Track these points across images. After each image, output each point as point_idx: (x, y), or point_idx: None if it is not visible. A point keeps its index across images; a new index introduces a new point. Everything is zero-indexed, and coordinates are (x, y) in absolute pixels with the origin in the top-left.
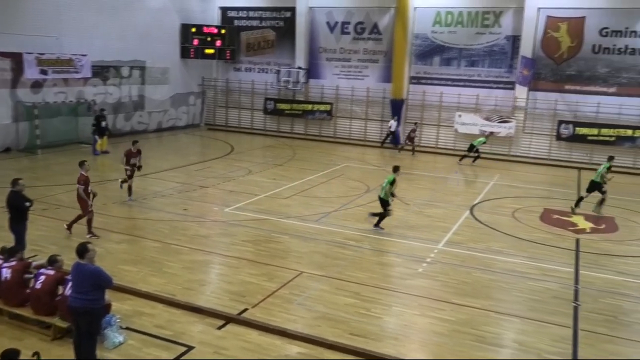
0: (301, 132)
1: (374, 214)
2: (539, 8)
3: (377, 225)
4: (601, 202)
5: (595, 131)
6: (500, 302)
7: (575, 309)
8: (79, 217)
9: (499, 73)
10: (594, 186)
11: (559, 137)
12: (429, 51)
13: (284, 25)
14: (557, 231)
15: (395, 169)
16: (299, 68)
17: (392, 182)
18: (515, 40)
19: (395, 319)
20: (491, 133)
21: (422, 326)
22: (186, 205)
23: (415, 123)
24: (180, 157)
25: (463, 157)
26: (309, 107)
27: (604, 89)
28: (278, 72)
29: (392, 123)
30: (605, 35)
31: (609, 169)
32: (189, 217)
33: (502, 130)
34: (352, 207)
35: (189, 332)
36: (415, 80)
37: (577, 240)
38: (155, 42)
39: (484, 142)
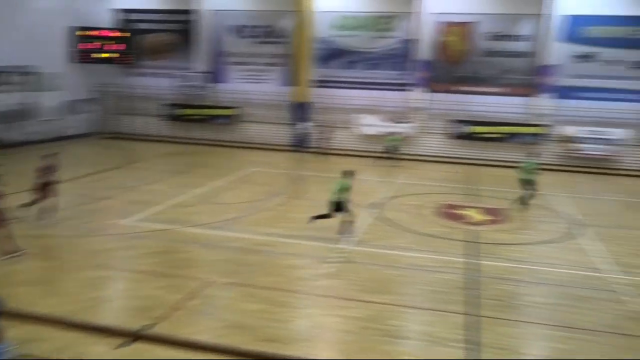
0: (207, 138)
1: (345, 230)
2: (433, 13)
3: (346, 232)
4: (528, 197)
5: (487, 129)
6: (406, 296)
7: (471, 296)
8: None
9: (397, 75)
10: (526, 183)
11: (454, 136)
12: (331, 54)
13: (185, 29)
14: (454, 224)
15: (349, 174)
16: (202, 72)
17: (346, 188)
18: (411, 44)
19: (305, 321)
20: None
21: (332, 326)
22: (85, 219)
23: (324, 126)
24: (77, 168)
25: (387, 158)
26: (214, 112)
27: (492, 90)
28: (181, 76)
29: (304, 125)
30: (493, 39)
31: (535, 167)
32: (88, 231)
33: (402, 130)
34: (260, 212)
35: (90, 353)
36: (319, 83)
37: (472, 232)
38: (45, 46)
39: (398, 141)
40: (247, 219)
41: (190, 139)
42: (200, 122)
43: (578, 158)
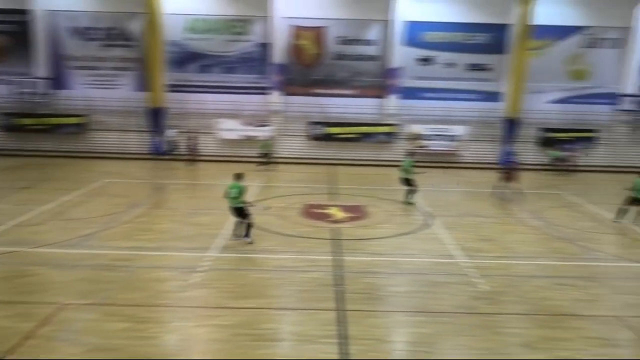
0: (52, 149)
1: (242, 233)
2: (285, 18)
3: (247, 235)
4: (411, 192)
5: (341, 130)
6: (275, 299)
7: (339, 292)
8: None
9: (255, 79)
10: (407, 181)
11: (312, 137)
12: (185, 58)
13: (19, 30)
14: (318, 224)
15: (240, 176)
16: (42, 78)
17: (243, 192)
18: (266, 47)
19: (174, 335)
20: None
21: (202, 336)
22: None
23: (189, 132)
24: None
25: (264, 163)
26: (59, 120)
27: (346, 92)
28: (17, 83)
29: (169, 133)
30: (343, 44)
31: (412, 166)
32: None
33: (261, 134)
34: (117, 226)
35: None
36: (173, 88)
37: (335, 230)
38: None
39: (270, 146)
40: (103, 234)
41: (33, 151)
42: (44, 133)
43: (425, 154)
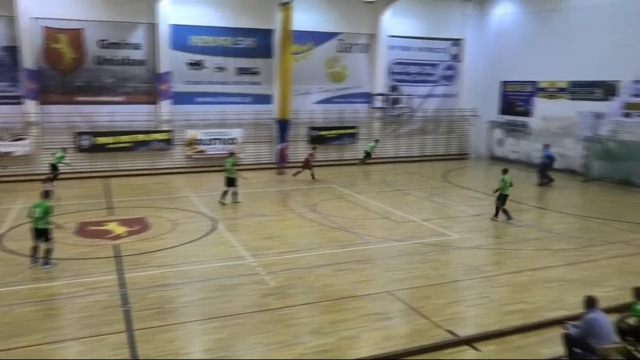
0: None
1: (42, 258)
2: (34, 18)
3: (46, 264)
4: (234, 193)
5: (112, 139)
6: (51, 332)
7: (127, 312)
8: None
9: (3, 87)
10: (230, 180)
11: (79, 149)
12: None
13: None
14: (96, 242)
15: (47, 195)
16: None
17: (49, 211)
18: (14, 51)
19: None
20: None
21: None
22: None
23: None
24: None
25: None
26: None
27: (114, 98)
28: None
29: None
30: (106, 47)
31: (234, 165)
32: None
33: (18, 149)
34: None
35: None
36: None
37: (116, 246)
38: None
39: (61, 158)
40: None
41: None
42: None
43: (202, 159)
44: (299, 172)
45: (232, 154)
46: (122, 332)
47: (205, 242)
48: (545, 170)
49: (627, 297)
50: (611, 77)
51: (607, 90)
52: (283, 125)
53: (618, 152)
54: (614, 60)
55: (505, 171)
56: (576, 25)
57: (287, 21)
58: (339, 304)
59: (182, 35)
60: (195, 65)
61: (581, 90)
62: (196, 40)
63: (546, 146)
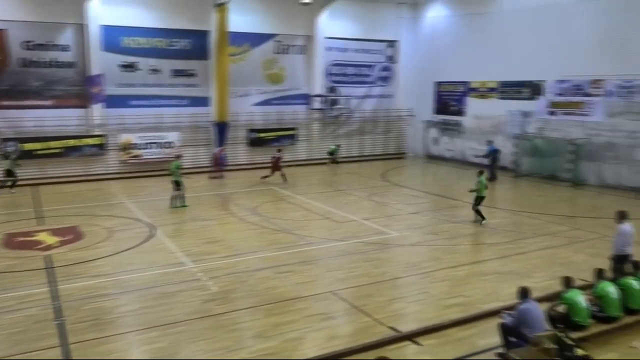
0: None
1: None
2: None
3: None
4: (180, 197)
5: (41, 145)
6: None
7: (61, 326)
8: None
9: None
10: (176, 183)
11: (5, 156)
12: None
13: None
14: (26, 253)
15: None
16: None
17: None
18: None
19: None
20: None
21: None
22: None
23: None
24: None
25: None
26: None
27: (43, 102)
28: None
29: None
30: (32, 49)
31: (178, 167)
32: None
33: None
34: None
35: None
36: None
37: (47, 257)
38: None
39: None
40: None
41: None
42: None
43: (138, 164)
44: (267, 176)
45: (177, 157)
46: (56, 346)
47: (143, 249)
48: (493, 165)
49: (557, 287)
50: (537, 77)
51: (533, 89)
52: (221, 127)
53: (545, 148)
54: (539, 61)
55: (480, 173)
56: (504, 27)
57: (222, 22)
58: (282, 306)
59: (113, 37)
60: (129, 67)
61: (510, 89)
62: (129, 41)
63: (489, 142)
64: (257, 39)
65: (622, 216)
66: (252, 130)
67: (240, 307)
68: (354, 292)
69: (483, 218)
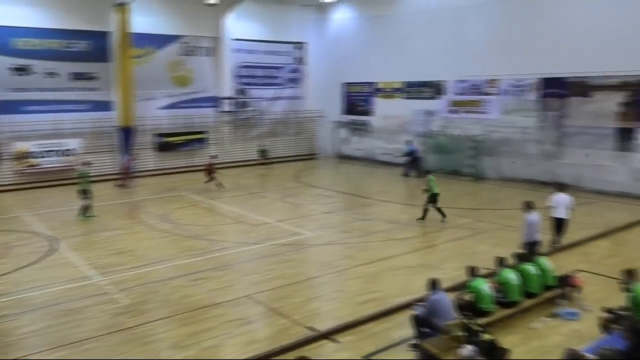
0: None
1: None
2: None
3: None
4: (88, 207)
5: None
6: None
7: None
8: None
9: None
10: (83, 192)
11: None
12: None
13: None
14: None
15: None
16: None
17: None
18: None
19: None
20: None
21: None
22: None
23: None
24: None
25: None
26: None
27: None
28: None
29: None
30: None
31: (85, 175)
32: None
33: None
34: None
35: None
36: None
37: None
38: None
39: None
40: None
41: None
42: None
43: (36, 173)
44: (210, 180)
45: (84, 164)
46: None
47: (45, 265)
48: (414, 163)
49: (464, 276)
50: (438, 77)
51: (435, 89)
52: (127, 132)
53: (448, 145)
54: (440, 62)
55: (428, 172)
56: (406, 30)
57: (124, 23)
58: (198, 314)
59: (1, 38)
60: (21, 70)
61: (414, 90)
62: (20, 43)
63: (408, 142)
64: (161, 40)
65: (528, 206)
66: (160, 135)
67: (154, 319)
68: (270, 294)
69: (444, 215)
